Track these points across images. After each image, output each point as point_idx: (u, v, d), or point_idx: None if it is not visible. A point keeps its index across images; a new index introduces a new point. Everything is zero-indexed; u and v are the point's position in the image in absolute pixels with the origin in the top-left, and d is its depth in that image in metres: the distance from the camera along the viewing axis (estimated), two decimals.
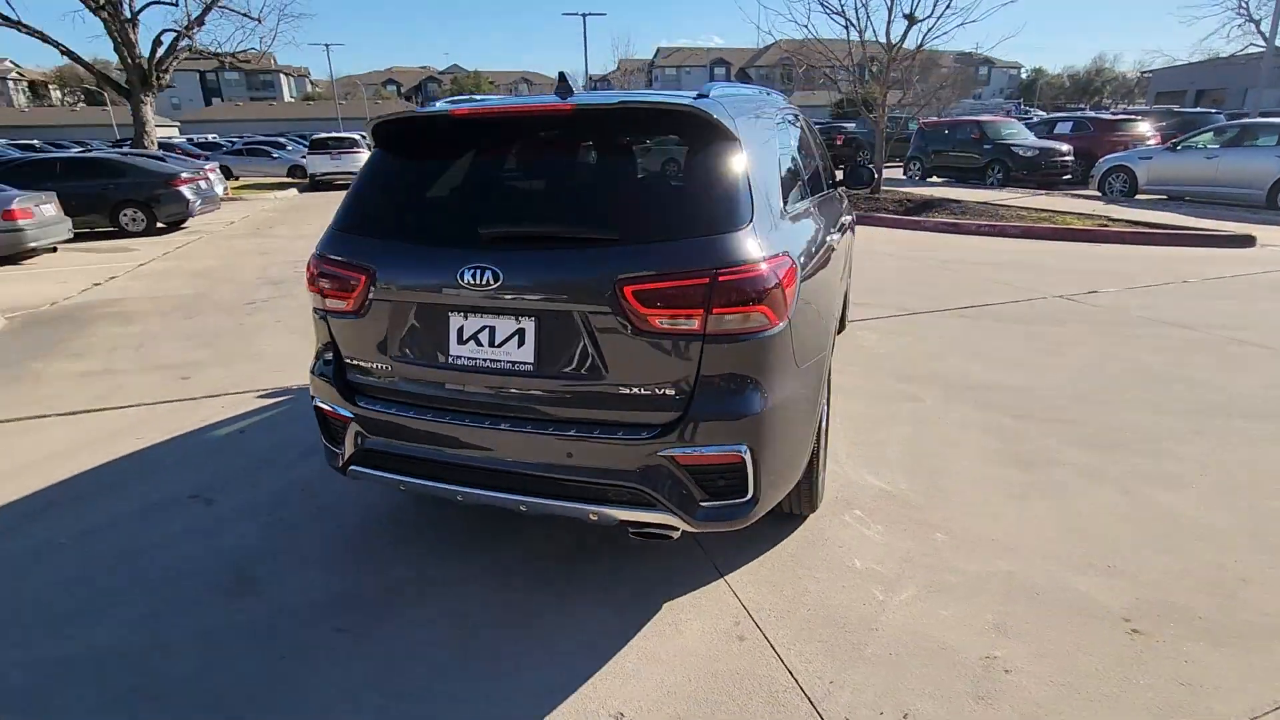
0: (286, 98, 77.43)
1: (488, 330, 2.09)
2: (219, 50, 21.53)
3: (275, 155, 24.82)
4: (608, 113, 2.12)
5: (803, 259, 2.32)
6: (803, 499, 2.64)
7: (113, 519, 2.96)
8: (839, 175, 4.63)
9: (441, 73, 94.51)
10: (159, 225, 11.91)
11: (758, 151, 2.21)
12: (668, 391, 2.00)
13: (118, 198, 11.58)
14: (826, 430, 3.03)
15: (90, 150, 17.66)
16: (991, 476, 3.17)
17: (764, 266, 1.97)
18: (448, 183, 2.26)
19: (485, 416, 2.15)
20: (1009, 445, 3.47)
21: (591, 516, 2.09)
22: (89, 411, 4.17)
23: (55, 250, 10.06)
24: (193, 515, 2.98)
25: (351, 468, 2.38)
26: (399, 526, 2.88)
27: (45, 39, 18.11)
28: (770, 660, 2.11)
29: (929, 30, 11.76)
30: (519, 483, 2.16)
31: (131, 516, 2.98)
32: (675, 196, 2.07)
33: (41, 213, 9.32)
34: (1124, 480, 3.10)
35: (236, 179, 22.68)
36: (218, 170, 15.15)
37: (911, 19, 11.56)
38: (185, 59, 21.27)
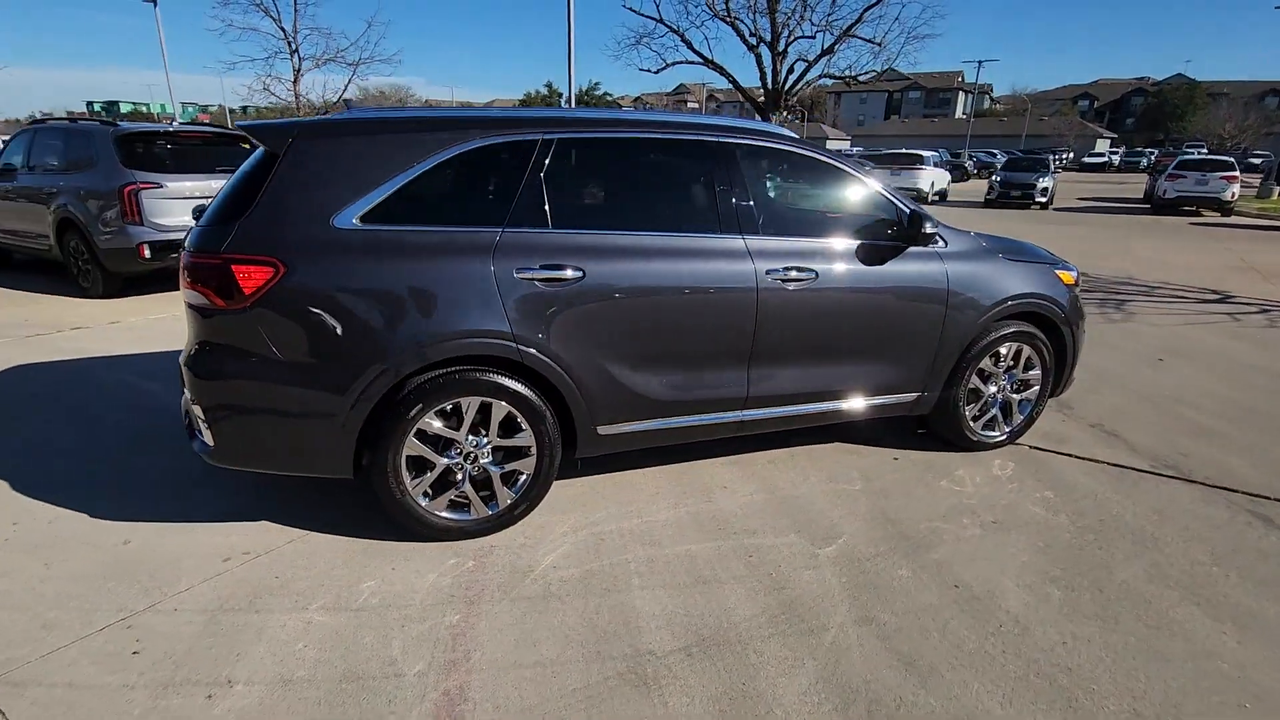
0: (958, 114, 77.86)
1: None
2: (844, 74, 24.05)
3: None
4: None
5: (343, 274, 2.34)
6: (381, 496, 2.54)
7: None
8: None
9: (1157, 84, 79.43)
10: None
11: (310, 165, 2.38)
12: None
13: None
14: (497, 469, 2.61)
15: None
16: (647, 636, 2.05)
17: (215, 258, 2.30)
18: None
19: None
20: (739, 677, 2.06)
21: None
22: None
23: None
24: None
25: None
26: None
27: (723, 73, 23.88)
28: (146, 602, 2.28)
29: None
30: None
31: None
32: (230, 195, 2.49)
33: None
34: None
35: None
36: None
37: None
38: (817, 82, 24.75)
